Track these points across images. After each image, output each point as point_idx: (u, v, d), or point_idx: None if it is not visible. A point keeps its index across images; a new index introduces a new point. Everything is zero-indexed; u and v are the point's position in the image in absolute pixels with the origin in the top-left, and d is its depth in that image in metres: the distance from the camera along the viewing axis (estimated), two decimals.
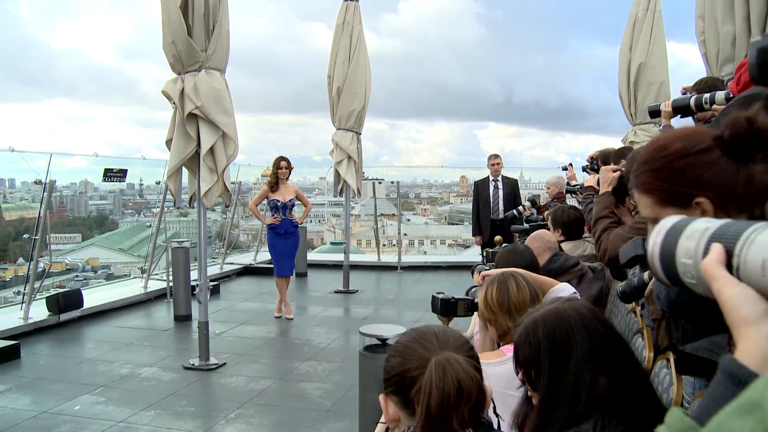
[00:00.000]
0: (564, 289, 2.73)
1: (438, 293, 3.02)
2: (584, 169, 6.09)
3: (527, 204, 7.41)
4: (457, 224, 37.73)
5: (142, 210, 35.02)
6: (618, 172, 3.40)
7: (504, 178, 9.44)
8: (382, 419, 2.78)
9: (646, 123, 7.99)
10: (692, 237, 0.86)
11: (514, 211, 7.92)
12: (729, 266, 0.79)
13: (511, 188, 9.49)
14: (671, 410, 0.79)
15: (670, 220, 0.92)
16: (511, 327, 2.53)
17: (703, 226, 0.85)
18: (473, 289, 3.29)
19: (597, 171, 5.13)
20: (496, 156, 9.52)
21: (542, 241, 4.11)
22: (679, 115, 4.33)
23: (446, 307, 2.94)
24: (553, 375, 1.61)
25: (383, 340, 3.72)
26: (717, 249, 0.80)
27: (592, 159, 5.50)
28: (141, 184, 28.41)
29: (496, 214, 9.25)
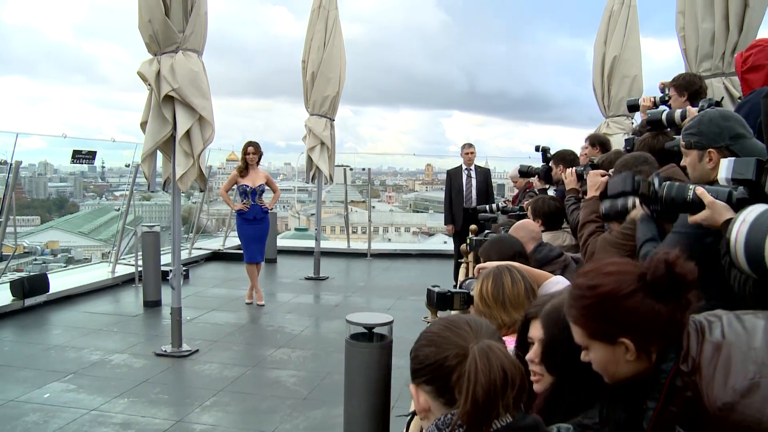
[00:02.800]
0: (559, 282, 2.72)
1: (434, 286, 2.97)
2: (542, 154, 6.13)
3: (501, 199, 7.39)
4: (421, 212, 37.90)
5: (104, 193, 34.43)
6: (606, 177, 3.40)
7: (477, 167, 9.44)
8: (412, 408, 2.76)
9: (619, 115, 8.08)
10: None
11: (487, 207, 7.94)
12: None
13: (484, 177, 9.49)
14: None
15: (753, 212, 0.91)
16: (506, 321, 2.53)
17: None
18: (467, 281, 3.26)
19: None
20: (470, 145, 9.51)
21: (527, 230, 4.09)
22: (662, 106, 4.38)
23: (442, 301, 2.89)
24: (577, 358, 1.61)
25: (370, 329, 3.67)
26: None
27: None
28: (103, 167, 27.91)
29: (469, 203, 9.25)
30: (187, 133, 5.89)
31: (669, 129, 3.83)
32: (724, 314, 1.39)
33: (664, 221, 2.47)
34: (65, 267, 11.85)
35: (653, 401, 1.42)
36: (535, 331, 1.91)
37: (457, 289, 2.99)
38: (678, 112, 3.72)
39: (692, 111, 3.54)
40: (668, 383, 1.37)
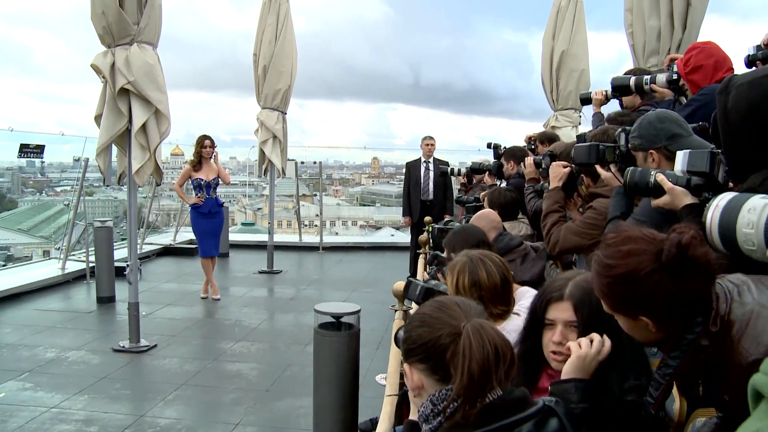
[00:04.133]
0: (527, 292, 2.77)
1: (410, 278, 3.02)
2: (493, 151, 6.28)
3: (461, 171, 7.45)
4: (368, 206, 38.02)
5: (44, 189, 33.46)
6: (568, 168, 3.51)
7: (436, 160, 9.51)
8: (388, 392, 2.80)
9: (567, 109, 8.27)
10: (754, 210, 0.95)
11: (448, 168, 8.04)
12: None
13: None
14: (755, 375, 0.83)
15: (725, 198, 1.01)
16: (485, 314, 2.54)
17: (763, 203, 0.94)
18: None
19: (534, 153, 5.32)
20: (430, 137, 9.57)
21: (488, 220, 4.18)
22: (614, 98, 4.53)
23: (429, 296, 2.84)
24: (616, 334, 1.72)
25: (338, 318, 3.72)
26: None
27: (530, 140, 5.69)
28: (42, 162, 27.16)
29: (426, 195, 9.33)
30: (143, 127, 5.82)
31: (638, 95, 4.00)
32: (748, 279, 1.42)
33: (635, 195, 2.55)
34: (4, 265, 11.52)
35: (675, 360, 1.49)
36: (558, 313, 1.96)
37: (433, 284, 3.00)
38: (647, 77, 3.87)
39: (661, 78, 3.70)
40: (696, 343, 1.44)
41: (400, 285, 3.52)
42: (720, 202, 1.02)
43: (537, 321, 2.03)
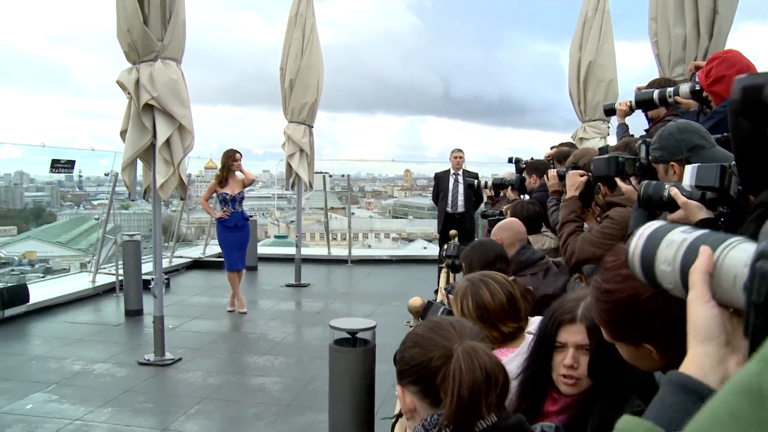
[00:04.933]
0: (533, 322, 2.71)
1: (434, 301, 2.99)
2: (515, 165, 6.23)
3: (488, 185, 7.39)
4: (401, 218, 38.01)
5: (81, 202, 34.11)
6: (585, 177, 3.44)
7: (465, 172, 9.45)
8: (397, 411, 2.78)
9: (595, 120, 8.17)
10: (671, 246, 0.90)
11: (475, 180, 7.96)
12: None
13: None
14: (623, 416, 0.83)
15: (650, 227, 0.95)
16: (497, 336, 2.47)
17: (681, 237, 0.89)
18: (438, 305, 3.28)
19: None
20: (459, 150, 9.55)
21: (512, 231, 4.10)
22: (639, 110, 4.44)
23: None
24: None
25: (353, 334, 3.70)
26: (706, 256, 0.84)
27: (549, 158, 5.63)
28: (81, 176, 27.67)
29: (455, 208, 9.27)
30: (167, 142, 5.89)
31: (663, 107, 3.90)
32: None
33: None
34: (43, 277, 11.74)
35: None
36: (570, 335, 1.90)
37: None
38: (670, 90, 3.78)
39: (684, 89, 3.60)
40: None
41: (416, 301, 3.49)
42: (645, 231, 0.96)
43: (546, 343, 1.98)
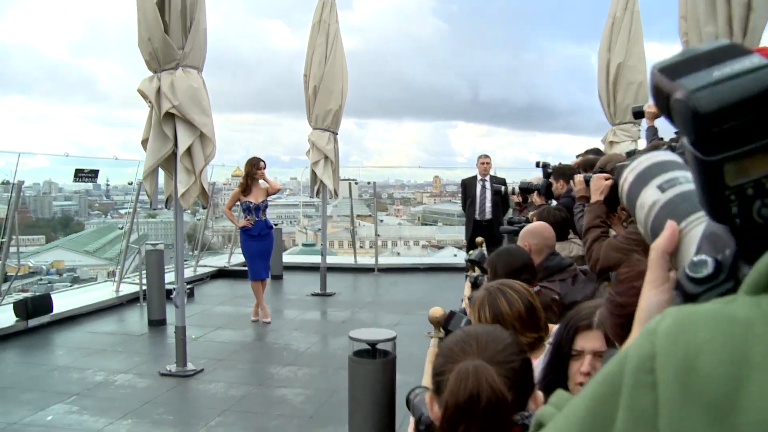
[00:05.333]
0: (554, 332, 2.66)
1: (456, 311, 2.95)
2: (542, 170, 6.14)
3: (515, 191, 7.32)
4: (430, 225, 37.90)
5: (109, 211, 34.59)
6: (610, 181, 3.37)
7: (492, 177, 9.38)
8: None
9: (625, 123, 8.06)
10: (643, 207, 0.84)
11: (502, 187, 7.89)
12: None
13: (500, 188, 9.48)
14: (557, 391, 0.87)
15: (644, 163, 0.87)
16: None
17: (653, 198, 0.82)
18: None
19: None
20: (486, 156, 9.49)
21: (542, 237, 4.03)
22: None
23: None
24: None
25: (373, 345, 3.67)
26: (668, 233, 0.77)
27: (575, 167, 5.56)
28: (108, 185, 28.05)
29: (483, 215, 9.20)
30: (189, 150, 5.93)
31: None
32: None
33: None
34: (71, 286, 11.89)
35: None
36: (587, 342, 1.89)
37: None
38: None
39: None
40: None
41: (437, 311, 3.45)
42: (638, 166, 0.88)
43: (563, 351, 1.95)
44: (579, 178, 4.57)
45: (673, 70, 0.63)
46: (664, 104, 0.64)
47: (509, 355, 1.55)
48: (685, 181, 0.79)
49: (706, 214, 0.66)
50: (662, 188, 0.81)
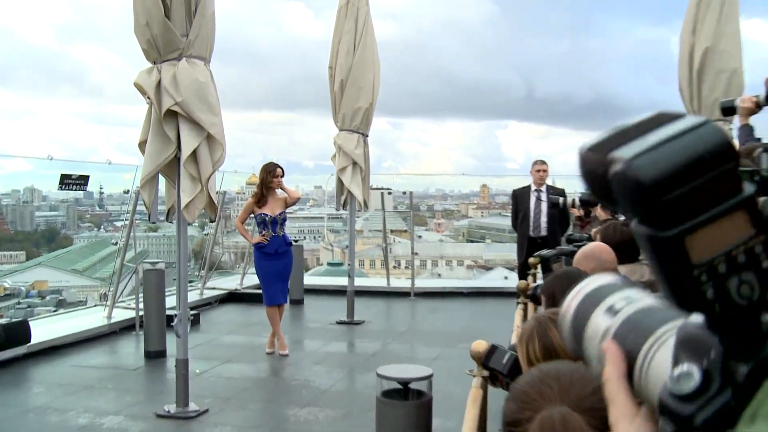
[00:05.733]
0: None
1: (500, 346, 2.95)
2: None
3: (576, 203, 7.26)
4: (477, 242, 37.77)
5: (102, 223, 34.94)
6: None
7: (549, 188, 9.32)
8: None
9: (714, 120, 7.92)
10: (594, 338, 0.82)
11: (560, 198, 7.81)
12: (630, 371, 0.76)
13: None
14: None
15: (593, 283, 0.87)
16: None
17: (605, 325, 0.81)
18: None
19: None
20: (542, 162, 9.43)
21: (598, 261, 4.02)
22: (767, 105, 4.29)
23: (518, 367, 2.80)
24: None
25: (405, 384, 3.69)
26: (612, 353, 0.74)
27: None
28: (101, 193, 28.48)
29: (537, 231, 9.14)
30: (194, 154, 5.97)
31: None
32: None
33: None
34: (54, 311, 12.01)
35: None
36: None
37: None
38: None
39: None
40: None
41: (480, 345, 3.45)
42: (585, 287, 0.87)
43: None
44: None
45: (603, 146, 0.64)
46: (602, 186, 0.64)
47: (599, 400, 1.54)
48: (639, 298, 0.78)
49: (675, 306, 0.65)
50: (613, 311, 0.79)
